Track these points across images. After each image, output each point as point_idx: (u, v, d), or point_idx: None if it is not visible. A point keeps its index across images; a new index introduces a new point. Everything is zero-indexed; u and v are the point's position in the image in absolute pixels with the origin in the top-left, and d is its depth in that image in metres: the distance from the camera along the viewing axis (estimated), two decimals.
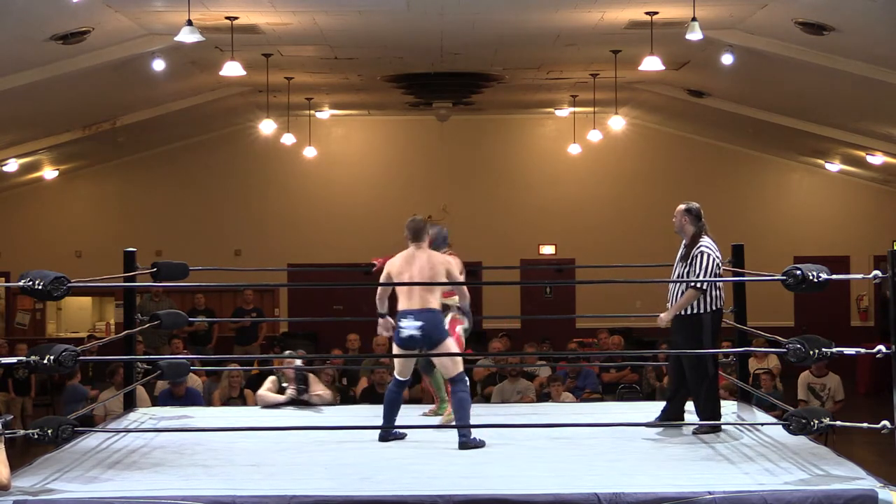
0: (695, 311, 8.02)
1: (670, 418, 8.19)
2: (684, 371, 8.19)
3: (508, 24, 13.86)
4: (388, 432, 7.85)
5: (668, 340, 8.82)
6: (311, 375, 10.18)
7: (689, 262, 8.11)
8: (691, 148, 22.75)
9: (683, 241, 8.27)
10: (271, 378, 10.18)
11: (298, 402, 9.98)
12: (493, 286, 22.04)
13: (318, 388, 10.20)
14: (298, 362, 10.18)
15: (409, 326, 7.78)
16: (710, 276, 7.97)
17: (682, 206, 8.26)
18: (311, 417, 9.32)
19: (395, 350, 7.95)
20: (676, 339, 8.21)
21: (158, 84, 15.91)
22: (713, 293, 8.04)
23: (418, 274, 7.88)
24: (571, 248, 22.25)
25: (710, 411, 8.03)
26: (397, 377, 8.04)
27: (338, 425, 7.89)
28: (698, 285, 7.93)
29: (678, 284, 8.11)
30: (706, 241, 8.12)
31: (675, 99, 19.06)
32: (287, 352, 10.67)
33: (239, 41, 13.76)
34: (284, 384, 10.05)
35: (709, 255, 8.03)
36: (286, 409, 9.77)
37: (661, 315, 8.15)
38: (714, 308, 8.05)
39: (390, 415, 7.93)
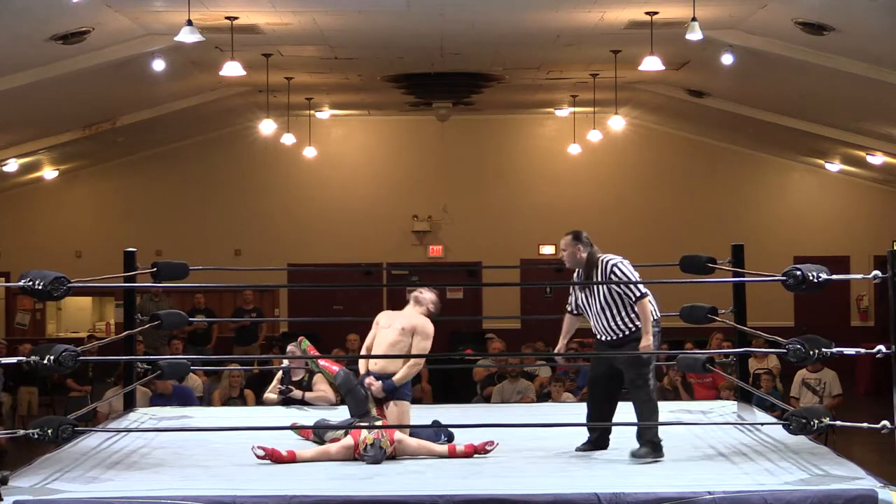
0: (637, 326, 7.38)
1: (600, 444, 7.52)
2: (612, 393, 7.55)
3: (508, 24, 13.86)
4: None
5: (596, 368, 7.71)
6: (317, 374, 10.16)
7: (601, 281, 7.45)
8: (691, 148, 22.75)
9: (577, 270, 7.71)
10: (277, 376, 10.23)
11: (290, 399, 10.00)
12: (493, 286, 22.06)
13: (322, 386, 10.19)
14: (296, 351, 10.19)
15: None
16: (638, 279, 7.43)
17: (568, 237, 7.70)
18: (311, 418, 9.31)
19: None
20: (619, 360, 7.39)
21: (158, 84, 15.90)
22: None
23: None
24: None
25: (651, 433, 7.24)
26: None
27: (338, 425, 7.88)
28: (642, 292, 7.34)
29: (605, 313, 7.40)
30: (608, 255, 7.59)
31: (675, 99, 19.07)
32: (290, 346, 10.68)
33: (239, 41, 13.76)
34: (281, 385, 10.10)
35: (622, 263, 7.50)
36: (289, 409, 9.79)
37: (643, 344, 7.29)
38: (656, 318, 7.45)
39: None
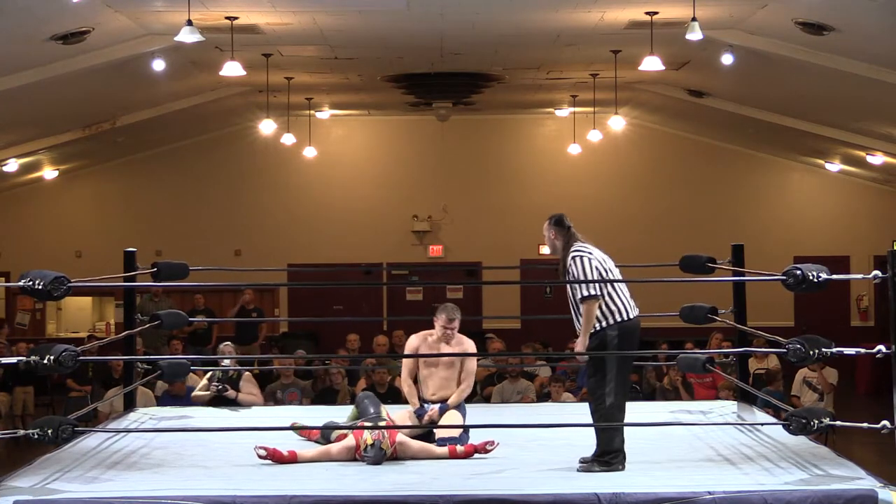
0: (596, 328, 6.93)
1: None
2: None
3: (508, 24, 13.86)
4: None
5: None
6: (246, 374, 10.27)
7: (566, 274, 7.03)
8: (691, 148, 22.75)
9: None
10: (208, 375, 10.28)
11: (223, 399, 10.02)
12: (493, 286, 22.05)
13: (252, 389, 10.29)
14: (226, 361, 10.34)
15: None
16: (594, 278, 6.90)
17: (546, 223, 7.14)
18: (311, 418, 9.31)
19: None
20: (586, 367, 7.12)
21: (158, 84, 15.91)
22: (606, 300, 6.94)
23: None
24: None
25: (606, 442, 6.84)
26: None
27: (339, 425, 7.88)
28: (587, 293, 6.87)
29: (571, 306, 7.06)
30: (577, 246, 7.06)
31: (675, 99, 19.07)
32: (222, 346, 10.83)
33: (239, 41, 13.76)
34: (216, 383, 10.15)
35: (582, 258, 6.97)
36: (220, 409, 9.85)
37: (577, 343, 6.99)
38: (617, 320, 6.95)
39: None
